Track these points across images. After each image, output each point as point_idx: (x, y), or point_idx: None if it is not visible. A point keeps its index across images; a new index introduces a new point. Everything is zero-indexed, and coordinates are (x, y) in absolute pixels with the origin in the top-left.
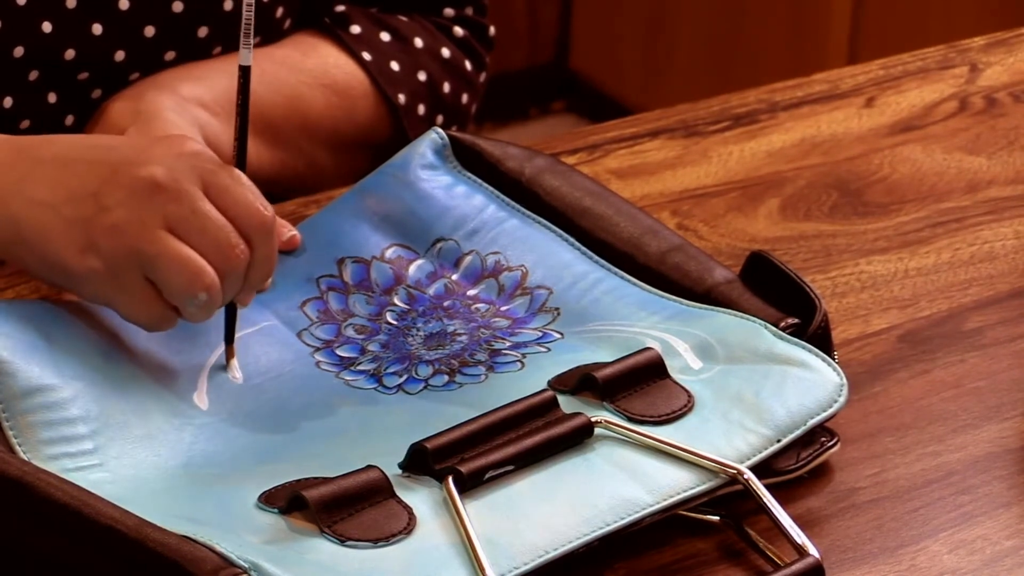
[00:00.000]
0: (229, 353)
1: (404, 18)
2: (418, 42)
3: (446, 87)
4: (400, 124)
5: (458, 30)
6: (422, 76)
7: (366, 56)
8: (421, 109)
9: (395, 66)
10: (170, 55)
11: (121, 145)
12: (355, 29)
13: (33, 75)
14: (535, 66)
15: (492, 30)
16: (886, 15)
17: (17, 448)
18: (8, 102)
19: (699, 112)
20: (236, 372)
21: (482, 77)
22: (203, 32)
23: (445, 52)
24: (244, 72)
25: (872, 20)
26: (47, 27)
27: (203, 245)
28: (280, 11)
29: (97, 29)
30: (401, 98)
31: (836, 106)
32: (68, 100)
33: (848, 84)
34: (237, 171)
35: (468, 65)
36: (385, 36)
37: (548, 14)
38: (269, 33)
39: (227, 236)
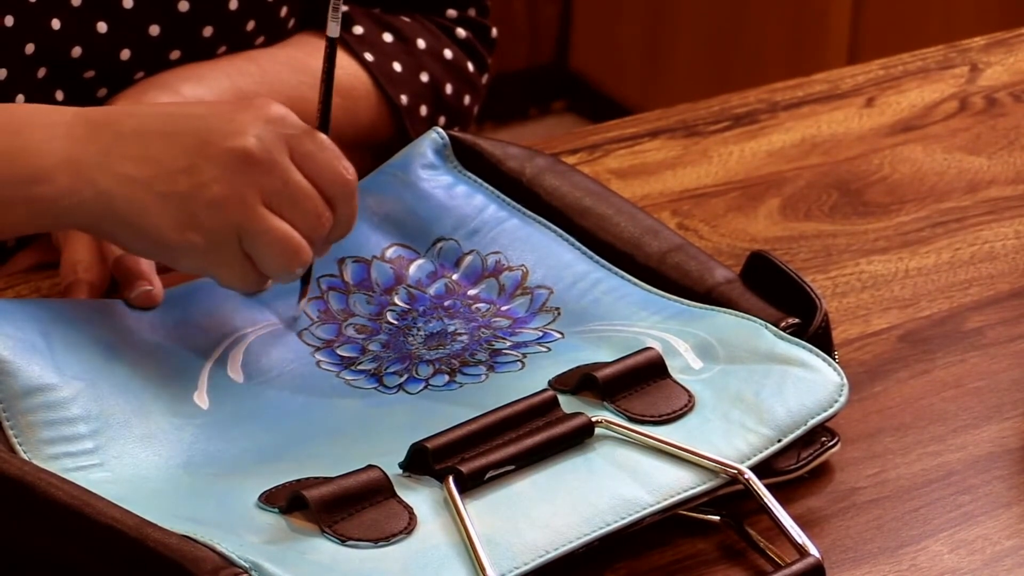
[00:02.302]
0: (303, 293)
1: (407, 19)
2: (420, 43)
3: (448, 88)
4: (402, 125)
5: (460, 31)
6: (424, 77)
7: (368, 57)
8: (423, 110)
9: (397, 67)
10: (175, 54)
11: (205, 114)
12: (357, 30)
13: (41, 72)
14: (535, 66)
15: (494, 31)
16: (886, 15)
17: (18, 448)
18: (20, 99)
19: (699, 112)
20: (307, 310)
21: (484, 78)
22: (208, 32)
23: (447, 53)
24: (331, 43)
25: (872, 20)
26: (56, 24)
27: (295, 216)
28: (284, 11)
29: (102, 27)
30: (403, 99)
31: (836, 106)
32: (74, 99)
33: (848, 84)
34: (320, 135)
35: (470, 66)
36: (388, 37)
37: (548, 14)
38: (274, 32)
39: (315, 206)
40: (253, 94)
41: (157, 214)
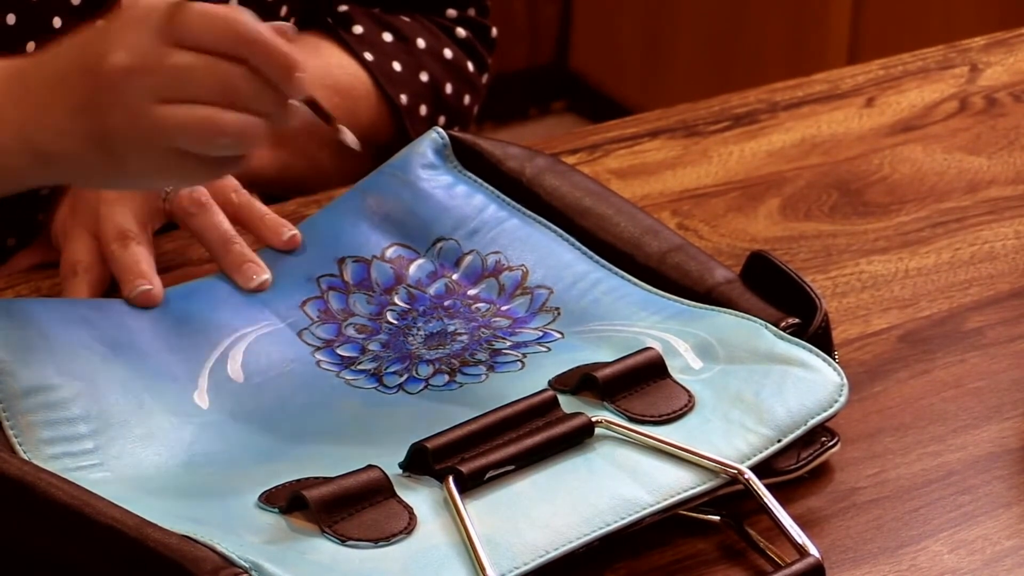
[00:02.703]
0: (336, 129)
1: (406, 19)
2: (420, 43)
3: (448, 88)
4: (402, 125)
5: (460, 31)
6: (424, 77)
7: (368, 56)
8: (423, 110)
9: (397, 67)
10: None
11: (92, 36)
12: (357, 29)
13: None
14: (535, 66)
15: (494, 31)
16: (886, 15)
17: (18, 448)
18: None
19: (699, 112)
20: (353, 140)
21: (484, 78)
22: None
23: (447, 53)
24: None
25: (872, 20)
26: (57, 23)
27: (199, 94)
28: (284, 10)
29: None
30: (403, 99)
31: (836, 106)
32: None
33: (848, 84)
34: (190, 3)
35: (470, 66)
36: (387, 36)
37: (548, 14)
38: None
39: (212, 72)
40: None
41: (90, 161)
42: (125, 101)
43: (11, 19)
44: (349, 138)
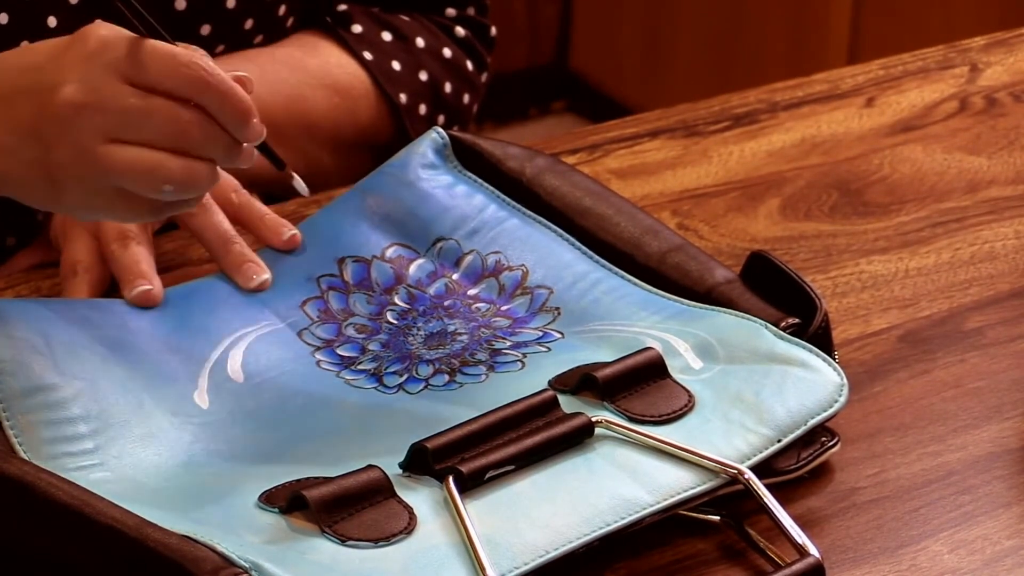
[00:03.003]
0: (289, 176)
1: (406, 18)
2: (420, 42)
3: (447, 87)
4: (402, 124)
5: (460, 30)
6: (423, 76)
7: (367, 56)
8: (423, 109)
9: (396, 66)
10: None
11: (44, 62)
12: (356, 28)
13: None
14: (535, 66)
15: (493, 30)
16: (886, 15)
17: (18, 448)
18: None
19: (699, 112)
20: (303, 188)
21: (483, 77)
22: (206, 30)
23: (447, 52)
24: None
25: (872, 20)
26: (52, 22)
27: (149, 136)
28: (283, 9)
29: None
30: (403, 98)
31: (836, 106)
32: None
33: (848, 84)
34: (148, 43)
35: (469, 65)
36: (386, 36)
37: (548, 14)
38: (272, 31)
39: (165, 116)
40: (253, 94)
41: (29, 183)
42: (73, 137)
43: (3, 18)
44: (300, 186)
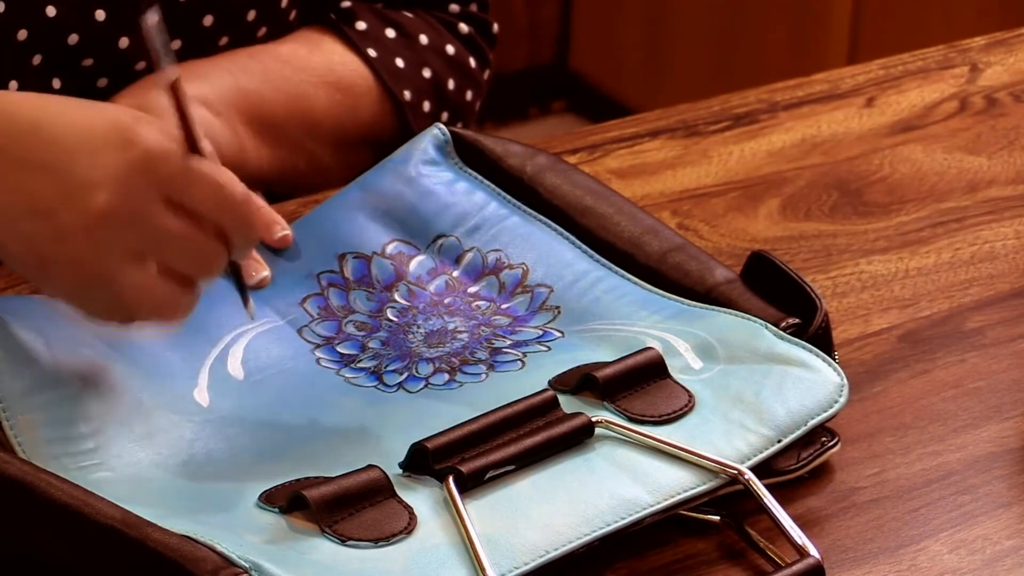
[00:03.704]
0: (244, 300)
1: (409, 14)
2: (423, 39)
3: (451, 84)
4: (405, 121)
5: (463, 27)
6: (427, 73)
7: (371, 53)
8: (426, 106)
9: (400, 63)
10: (175, 44)
11: (75, 148)
12: (360, 25)
13: (37, 60)
14: (535, 66)
15: (495, 27)
16: (886, 15)
17: (17, 448)
18: (13, 86)
19: (699, 112)
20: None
21: (486, 74)
22: (208, 21)
23: (450, 49)
24: (175, 85)
25: (872, 20)
26: (51, 11)
27: (172, 261)
28: (285, 1)
29: (100, 15)
30: (407, 95)
31: (836, 106)
32: (72, 86)
33: (848, 84)
34: (195, 160)
35: (472, 62)
36: (390, 32)
37: (548, 14)
38: (276, 26)
39: (196, 245)
40: (254, 92)
41: (16, 251)
42: (93, 241)
43: None
44: (251, 310)
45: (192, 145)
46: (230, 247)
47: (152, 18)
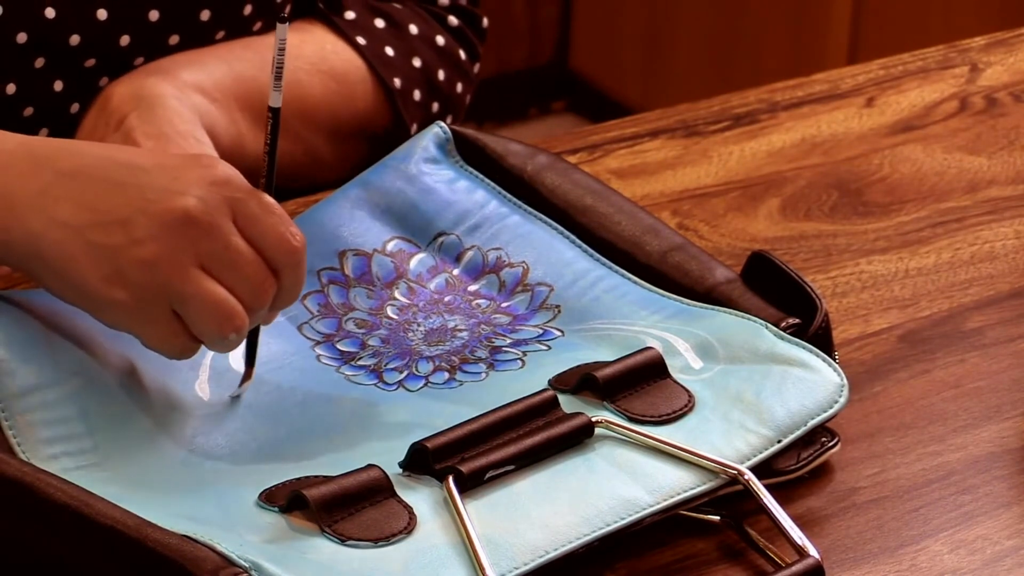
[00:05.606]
0: (247, 375)
1: (399, 5)
2: (412, 29)
3: (441, 74)
4: (398, 111)
5: (452, 19)
6: (417, 62)
7: (360, 41)
8: (417, 95)
9: (390, 51)
10: (174, 39)
11: (151, 167)
12: (349, 15)
13: (39, 62)
14: (535, 66)
15: (485, 21)
16: (886, 15)
17: (16, 448)
18: (11, 88)
19: (699, 112)
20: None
21: (476, 68)
22: (205, 16)
23: (440, 40)
24: (274, 113)
25: (872, 20)
26: (50, 13)
27: (233, 281)
28: None
29: (102, 14)
30: (397, 82)
31: (836, 106)
32: (74, 87)
33: (848, 84)
34: (267, 198)
35: (462, 54)
36: (379, 22)
37: (548, 14)
38: (268, 16)
39: (256, 272)
40: (251, 79)
41: (84, 264)
42: (173, 243)
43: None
44: (246, 385)
45: (268, 179)
46: (280, 288)
47: (282, 32)
